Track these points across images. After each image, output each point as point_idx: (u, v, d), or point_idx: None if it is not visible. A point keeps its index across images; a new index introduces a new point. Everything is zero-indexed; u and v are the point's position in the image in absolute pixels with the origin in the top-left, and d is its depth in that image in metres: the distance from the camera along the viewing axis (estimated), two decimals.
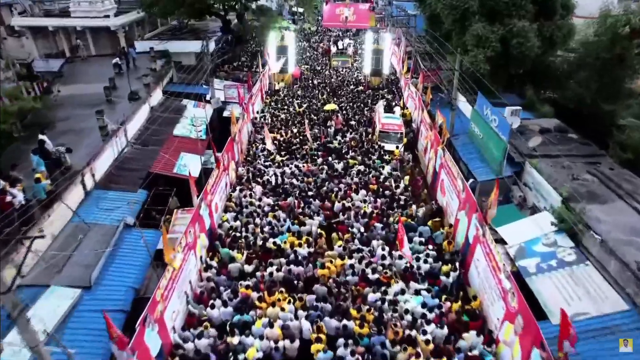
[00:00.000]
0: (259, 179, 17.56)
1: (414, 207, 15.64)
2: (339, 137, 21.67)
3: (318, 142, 21.08)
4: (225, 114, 23.53)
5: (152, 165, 16.09)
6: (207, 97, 24.09)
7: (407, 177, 18.28)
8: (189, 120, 20.66)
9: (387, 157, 19.64)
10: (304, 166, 18.39)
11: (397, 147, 20.30)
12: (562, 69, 23.05)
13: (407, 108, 24.91)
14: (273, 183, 17.18)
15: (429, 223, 14.64)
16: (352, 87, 30.69)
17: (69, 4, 30.35)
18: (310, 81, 32.00)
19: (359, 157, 19.33)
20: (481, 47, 21.10)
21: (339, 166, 18.60)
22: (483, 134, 16.63)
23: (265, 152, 19.93)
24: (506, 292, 9.84)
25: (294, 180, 17.39)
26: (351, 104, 26.71)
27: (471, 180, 15.25)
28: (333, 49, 38.75)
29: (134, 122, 18.24)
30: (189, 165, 16.92)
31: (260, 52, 32.40)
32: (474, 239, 12.43)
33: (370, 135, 22.05)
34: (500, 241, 12.45)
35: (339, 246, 13.49)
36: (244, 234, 14.19)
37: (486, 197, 15.02)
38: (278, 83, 30.45)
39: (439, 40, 24.77)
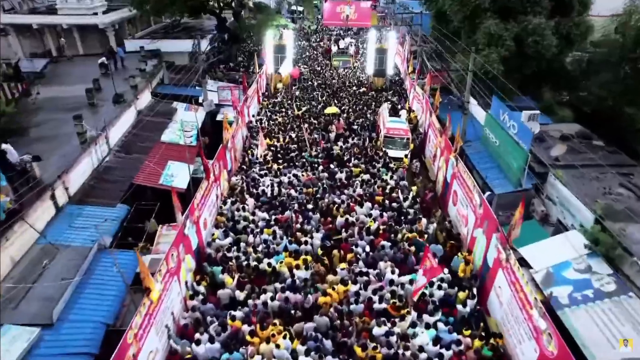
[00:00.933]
0: (253, 190, 16.17)
1: (423, 220, 14.27)
2: (340, 143, 20.29)
3: (318, 148, 19.69)
4: (219, 117, 22.12)
5: (135, 176, 14.69)
6: (200, 100, 22.70)
7: (415, 188, 16.92)
8: (178, 125, 19.25)
9: (393, 164, 18.26)
10: (303, 175, 16.99)
11: (406, 156, 18.91)
12: (578, 69, 21.63)
13: (413, 111, 23.52)
14: (269, 194, 15.78)
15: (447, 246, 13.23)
16: (354, 88, 29.32)
17: (57, 0, 29.01)
18: (309, 82, 30.62)
19: (363, 165, 17.94)
20: (493, 46, 19.75)
21: (341, 175, 17.21)
22: (499, 141, 15.25)
23: (260, 160, 18.54)
24: (540, 332, 8.44)
25: (292, 191, 16.00)
26: (353, 106, 25.32)
27: (487, 193, 13.87)
28: (334, 49, 37.39)
29: (118, 127, 16.86)
30: (177, 175, 15.54)
31: (257, 51, 31.06)
32: (494, 263, 11.04)
33: (374, 141, 20.66)
34: (523, 263, 11.05)
35: (342, 269, 12.09)
36: (235, 253, 12.79)
37: (504, 212, 13.71)
38: (276, 84, 29.05)
39: (447, 39, 23.42)
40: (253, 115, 22.81)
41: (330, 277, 11.86)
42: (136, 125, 18.26)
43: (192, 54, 30.73)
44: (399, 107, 23.04)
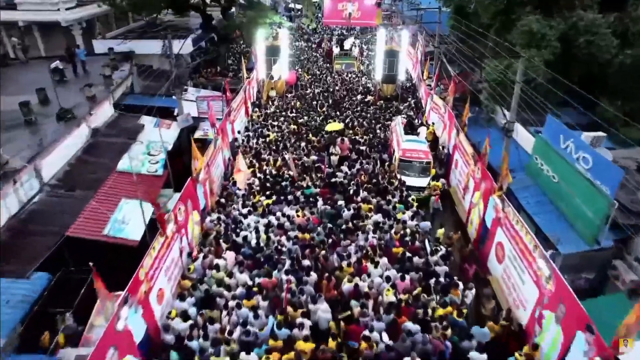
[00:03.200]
0: (233, 235, 12.55)
1: (459, 285, 10.66)
2: (344, 168, 16.65)
3: (319, 175, 16.07)
4: (198, 134, 18.53)
5: (72, 224, 11.05)
6: (176, 112, 19.09)
7: (440, 231, 13.31)
8: (144, 147, 15.64)
9: (411, 197, 14.64)
10: (297, 215, 13.36)
11: (428, 186, 15.31)
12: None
13: (432, 124, 19.86)
14: (253, 243, 12.15)
15: (493, 326, 9.56)
16: (359, 96, 25.68)
17: None
18: (308, 89, 27.00)
19: (375, 200, 14.30)
20: (534, 47, 16.12)
21: (347, 214, 13.57)
22: (560, 176, 11.60)
23: (244, 191, 14.92)
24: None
25: (284, 239, 12.36)
26: (359, 119, 21.67)
27: (550, 251, 10.18)
28: (336, 50, 33.78)
29: (59, 153, 13.27)
30: (131, 219, 11.92)
31: (248, 53, 27.54)
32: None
33: (386, 165, 17.01)
34: None
35: None
36: (200, 343, 9.15)
37: (576, 275, 10.11)
38: (268, 92, 25.41)
39: (470, 39, 19.81)
40: (239, 132, 19.16)
41: None
42: (88, 149, 14.68)
43: (176, 57, 27.25)
44: (417, 122, 19.31)
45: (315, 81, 28.91)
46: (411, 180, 16.03)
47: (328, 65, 33.69)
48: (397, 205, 14.14)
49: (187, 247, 11.82)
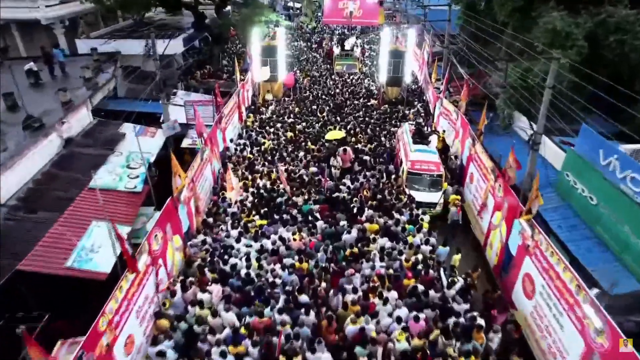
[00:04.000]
0: (221, 263, 11.02)
1: (483, 326, 9.12)
2: (347, 181, 15.11)
3: (317, 188, 14.54)
4: (186, 143, 17.00)
5: (26, 255, 9.49)
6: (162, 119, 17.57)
7: (457, 257, 11.78)
8: (123, 159, 14.11)
9: (422, 216, 13.10)
10: (294, 238, 11.82)
11: (453, 198, 13.83)
12: None
13: (443, 132, 18.29)
14: (243, 273, 10.60)
15: None
16: (361, 100, 24.12)
17: None
18: (307, 92, 25.44)
19: (381, 220, 12.74)
20: (557, 47, 14.56)
21: (350, 236, 12.03)
22: (600, 198, 10.05)
23: (235, 209, 13.38)
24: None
25: (278, 267, 10.82)
26: (362, 125, 20.11)
27: (595, 291, 8.63)
28: (336, 50, 32.22)
29: (23, 168, 11.72)
30: (101, 247, 10.34)
31: (243, 53, 26.04)
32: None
33: (392, 178, 15.46)
34: None
35: None
36: None
37: (624, 317, 8.53)
38: (264, 96, 23.88)
39: (480, 39, 18.32)
40: (231, 140, 17.60)
41: None
42: (59, 163, 13.13)
43: (166, 58, 25.73)
44: (427, 129, 17.71)
45: (315, 83, 27.34)
46: (421, 196, 14.50)
47: (328, 66, 32.14)
48: (406, 226, 12.60)
49: (166, 279, 10.27)
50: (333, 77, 29.05)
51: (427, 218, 13.12)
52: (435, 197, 14.66)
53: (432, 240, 12.08)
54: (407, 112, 21.83)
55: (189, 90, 23.70)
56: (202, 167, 13.59)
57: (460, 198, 14.75)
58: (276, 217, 13.00)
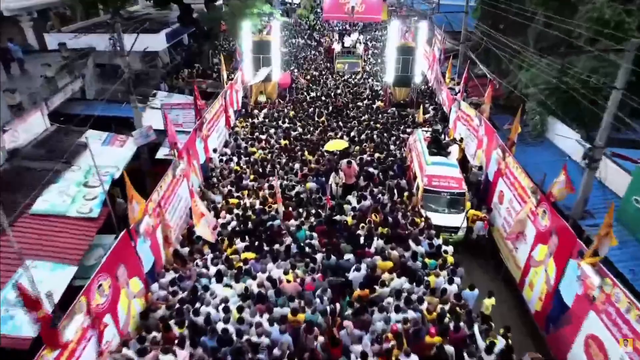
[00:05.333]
0: (192, 314, 8.67)
1: None
2: (352, 199, 12.75)
3: (317, 210, 12.20)
4: (162, 153, 14.62)
5: None
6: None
7: (489, 301, 9.47)
8: (80, 176, 11.74)
9: (448, 244, 10.81)
10: (287, 279, 9.47)
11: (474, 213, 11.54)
12: None
13: (462, 139, 15.92)
14: (219, 328, 8.23)
15: None
16: (365, 102, 21.77)
17: None
18: (304, 93, 23.10)
19: (394, 252, 10.39)
20: (607, 39, 12.25)
21: (357, 275, 9.71)
22: None
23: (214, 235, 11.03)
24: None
25: (265, 321, 8.46)
26: (368, 131, 17.74)
27: None
28: (337, 48, 29.89)
29: None
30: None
31: (233, 50, 23.77)
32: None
33: (405, 196, 13.11)
34: None
35: None
36: None
37: None
38: (256, 97, 21.53)
39: (502, 33, 15.98)
40: (215, 150, 15.22)
41: None
42: None
43: (149, 56, 23.42)
44: (444, 137, 15.26)
45: (314, 84, 25.00)
46: (440, 218, 12.19)
47: (328, 64, 29.84)
48: (426, 260, 10.26)
49: (117, 340, 7.91)
50: (334, 76, 26.72)
51: (450, 249, 10.77)
52: (456, 219, 12.35)
53: (457, 279, 9.76)
54: (417, 116, 19.44)
55: (173, 91, 21.44)
56: (174, 185, 11.23)
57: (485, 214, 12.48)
58: (266, 248, 10.67)
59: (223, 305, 8.74)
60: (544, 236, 9.46)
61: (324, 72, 27.81)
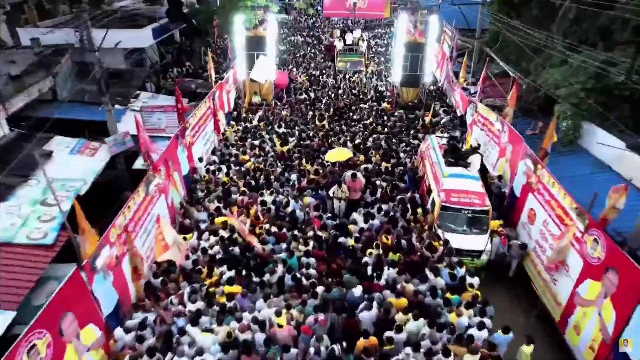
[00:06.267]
0: None
1: None
2: (358, 217, 11.04)
3: (314, 231, 10.51)
4: (140, 163, 12.90)
5: None
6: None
7: (527, 350, 7.77)
8: (38, 192, 10.07)
9: (473, 275, 9.13)
10: (277, 324, 7.78)
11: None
12: None
13: (478, 145, 14.19)
14: None
15: None
16: (370, 103, 20.08)
17: None
18: (303, 94, 21.43)
19: (410, 286, 8.70)
20: None
21: (367, 315, 8.04)
22: None
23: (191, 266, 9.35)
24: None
25: None
26: (374, 136, 16.04)
27: None
28: (338, 45, 28.24)
29: None
30: None
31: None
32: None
33: (418, 214, 11.40)
34: None
35: None
36: None
37: None
38: (250, 98, 19.83)
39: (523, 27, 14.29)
40: (200, 159, 13.51)
41: None
42: None
43: (131, 54, 21.75)
44: (461, 146, 13.45)
45: (314, 84, 23.32)
46: (459, 240, 10.50)
47: (329, 63, 28.19)
48: (448, 295, 8.56)
49: None
50: (335, 76, 25.04)
51: (476, 282, 9.07)
52: (479, 241, 10.66)
53: (488, 321, 8.06)
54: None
55: (160, 92, 19.79)
56: (148, 204, 9.53)
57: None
58: (255, 279, 8.98)
59: (198, 356, 7.07)
60: (595, 271, 7.76)
61: (324, 71, 26.14)
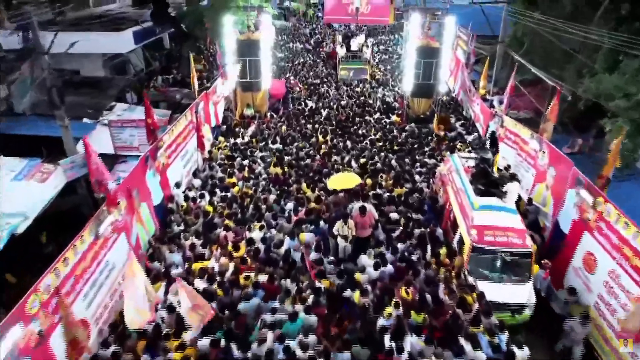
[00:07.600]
0: None
1: None
2: (367, 261, 8.89)
3: (312, 271, 8.42)
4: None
5: None
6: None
7: None
8: None
9: (522, 347, 7.03)
10: None
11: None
12: None
13: (508, 166, 12.09)
14: None
15: None
16: (376, 116, 18.04)
17: None
18: (302, 105, 19.45)
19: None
20: None
21: None
22: None
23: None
24: None
25: None
26: (382, 154, 13.96)
27: None
28: (340, 52, 26.36)
29: None
30: None
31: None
32: None
33: (442, 256, 9.25)
34: None
35: None
36: None
37: None
38: (242, 110, 17.82)
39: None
40: (177, 185, 11.40)
41: None
42: None
43: (111, 60, 19.82)
44: (495, 169, 11.22)
45: (313, 94, 21.35)
46: (496, 291, 8.39)
47: (331, 71, 26.28)
48: None
49: None
50: (337, 85, 23.11)
51: (526, 354, 6.93)
52: (520, 292, 8.58)
53: None
54: (440, 133, 15.70)
55: (140, 104, 17.81)
56: (99, 249, 7.42)
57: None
58: (237, 353, 6.84)
59: None
60: None
61: (325, 80, 24.19)
